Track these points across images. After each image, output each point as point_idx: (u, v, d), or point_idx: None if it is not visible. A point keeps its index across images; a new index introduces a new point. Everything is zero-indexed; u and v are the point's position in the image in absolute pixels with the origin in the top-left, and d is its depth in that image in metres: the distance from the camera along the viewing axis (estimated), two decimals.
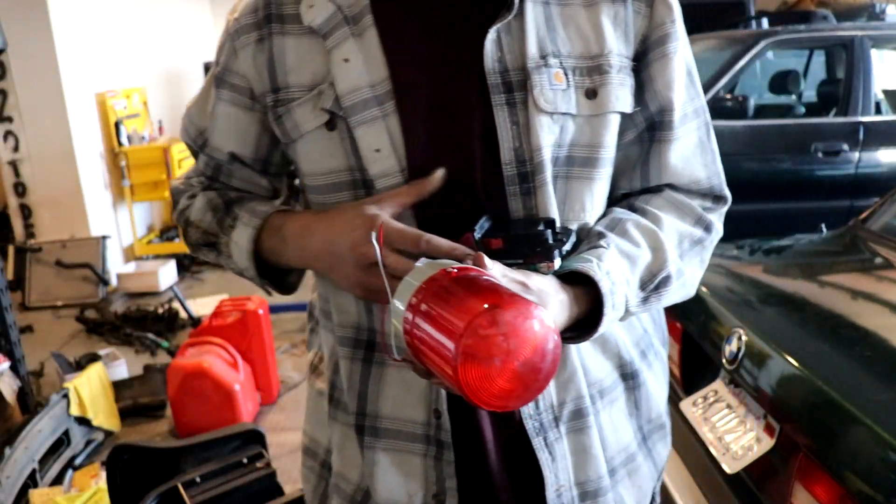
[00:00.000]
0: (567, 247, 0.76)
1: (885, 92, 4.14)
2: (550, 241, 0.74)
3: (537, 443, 0.84)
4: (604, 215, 0.86)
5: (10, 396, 2.76)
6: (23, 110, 4.87)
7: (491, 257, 0.70)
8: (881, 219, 2.11)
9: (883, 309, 1.74)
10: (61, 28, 4.86)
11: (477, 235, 0.75)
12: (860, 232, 2.12)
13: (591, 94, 0.80)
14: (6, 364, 2.80)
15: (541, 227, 0.75)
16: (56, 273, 4.96)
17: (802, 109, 4.45)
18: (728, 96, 3.80)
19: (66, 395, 2.77)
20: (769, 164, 3.75)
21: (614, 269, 0.77)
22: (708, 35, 4.56)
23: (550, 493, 0.85)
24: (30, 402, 2.85)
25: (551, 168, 0.79)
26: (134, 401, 3.17)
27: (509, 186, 0.79)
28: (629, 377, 0.90)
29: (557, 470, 0.85)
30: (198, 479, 1.83)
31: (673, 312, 2.01)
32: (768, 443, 1.46)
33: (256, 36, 0.84)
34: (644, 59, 0.84)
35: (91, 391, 2.89)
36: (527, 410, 0.83)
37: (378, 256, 0.71)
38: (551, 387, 0.83)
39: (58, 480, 2.58)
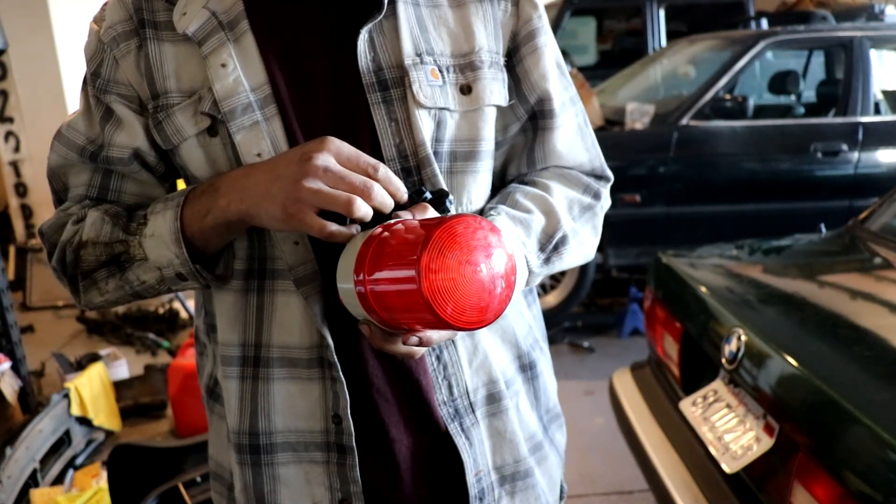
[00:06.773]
0: (452, 198, 0.76)
1: (885, 92, 4.14)
2: (437, 204, 0.74)
3: (453, 428, 0.84)
4: (495, 194, 0.90)
5: (11, 396, 2.77)
6: (24, 111, 4.87)
7: None
8: (880, 219, 2.12)
9: (882, 309, 1.74)
10: (62, 28, 4.86)
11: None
12: (859, 232, 2.12)
13: (466, 89, 0.84)
14: (7, 364, 2.81)
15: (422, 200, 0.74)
16: None
17: (802, 110, 4.45)
18: (727, 96, 3.81)
19: (66, 395, 2.77)
20: (769, 164, 3.76)
21: (507, 233, 0.81)
22: (708, 35, 4.56)
23: (470, 478, 0.85)
24: (31, 402, 2.86)
25: (436, 161, 0.82)
26: (135, 401, 3.17)
27: None
28: (527, 368, 0.93)
29: (476, 454, 0.86)
30: (198, 479, 1.84)
31: (673, 312, 2.02)
32: (768, 442, 1.47)
33: (136, 42, 0.82)
34: (517, 55, 0.88)
35: (92, 391, 2.89)
36: (440, 396, 0.84)
37: (330, 163, 0.70)
38: (465, 372, 0.85)
39: (59, 480, 2.58)
